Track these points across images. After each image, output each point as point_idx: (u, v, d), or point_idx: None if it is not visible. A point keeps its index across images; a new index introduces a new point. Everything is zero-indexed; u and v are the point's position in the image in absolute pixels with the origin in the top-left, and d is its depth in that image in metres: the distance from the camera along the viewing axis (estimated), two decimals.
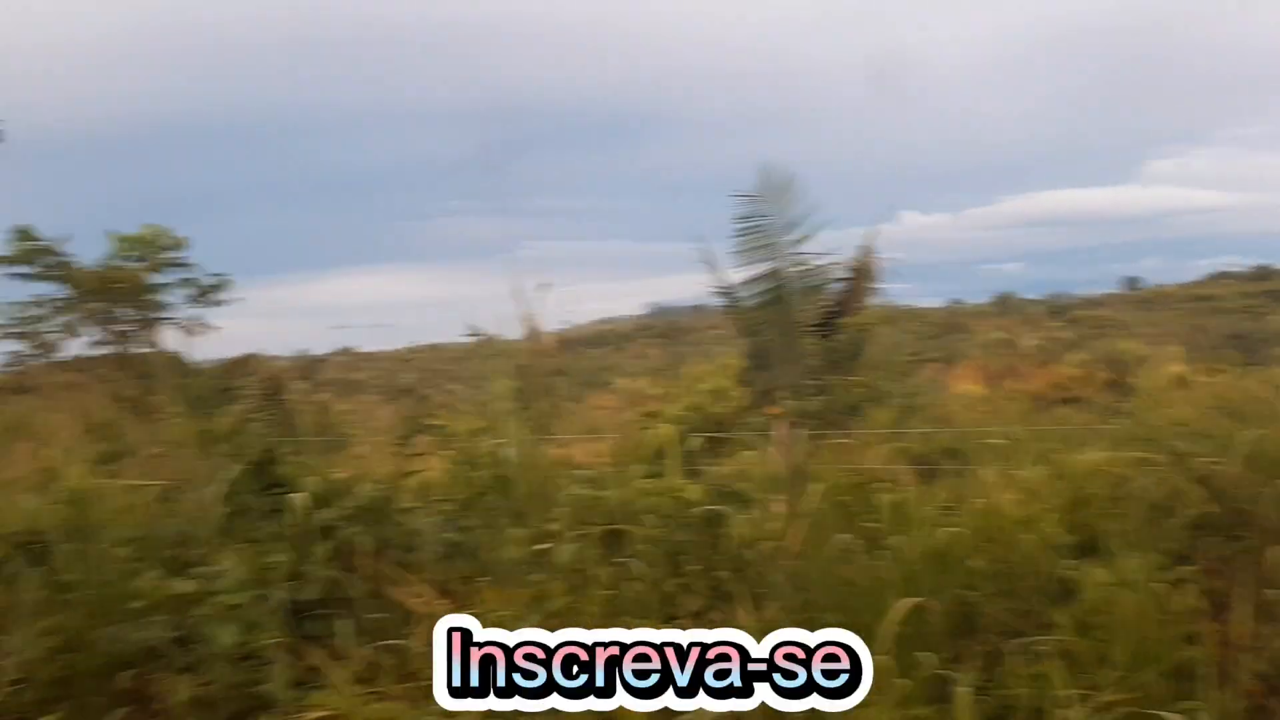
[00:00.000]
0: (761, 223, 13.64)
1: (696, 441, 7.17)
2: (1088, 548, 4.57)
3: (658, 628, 4.26)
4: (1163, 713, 3.22)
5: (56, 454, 6.00)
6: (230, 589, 4.06)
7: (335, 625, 4.22)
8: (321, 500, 4.80)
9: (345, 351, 45.17)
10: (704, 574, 5.10)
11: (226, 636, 3.90)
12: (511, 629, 3.96)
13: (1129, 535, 4.33)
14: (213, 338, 16.70)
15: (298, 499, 4.61)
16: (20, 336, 16.19)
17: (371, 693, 3.71)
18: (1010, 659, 3.83)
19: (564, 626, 4.06)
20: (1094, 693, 3.39)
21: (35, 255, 15.92)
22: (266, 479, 4.97)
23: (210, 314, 16.87)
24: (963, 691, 3.23)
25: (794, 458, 6.56)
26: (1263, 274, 53.83)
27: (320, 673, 3.92)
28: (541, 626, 4.02)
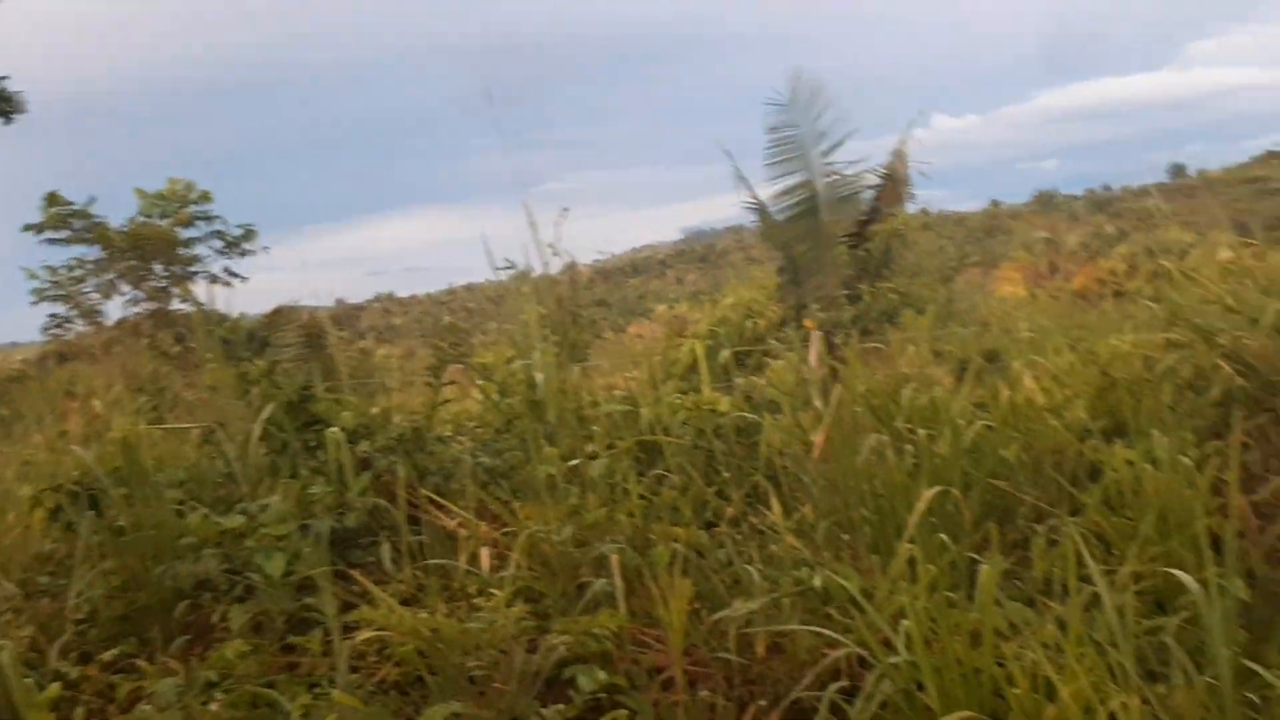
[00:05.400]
0: (791, 134, 13.49)
1: (727, 356, 7.23)
2: (1117, 430, 4.58)
3: (694, 533, 4.36)
4: (1180, 573, 3.24)
5: (104, 408, 6.19)
6: (274, 521, 4.20)
7: (378, 551, 4.36)
8: (358, 434, 4.92)
9: (383, 298, 45.45)
10: (738, 481, 5.18)
11: (275, 566, 4.05)
12: (550, 541, 4.09)
13: (1157, 415, 4.33)
14: (248, 290, 16.99)
15: (333, 434, 4.73)
16: (60, 299, 16.61)
17: (418, 611, 3.84)
18: (1039, 541, 3.88)
19: (600, 537, 4.18)
20: (1120, 567, 3.43)
21: (66, 220, 16.23)
22: (304, 417, 5.09)
23: (241, 266, 17.13)
24: (985, 572, 3.27)
25: (826, 365, 6.58)
26: None
27: (367, 596, 4.06)
28: (578, 538, 4.13)
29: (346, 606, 3.96)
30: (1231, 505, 3.86)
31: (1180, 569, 3.41)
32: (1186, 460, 3.87)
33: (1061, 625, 3.17)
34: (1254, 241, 7.30)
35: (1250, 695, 3.21)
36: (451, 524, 4.52)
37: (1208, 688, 2.99)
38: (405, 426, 5.00)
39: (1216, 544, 3.53)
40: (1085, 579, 3.28)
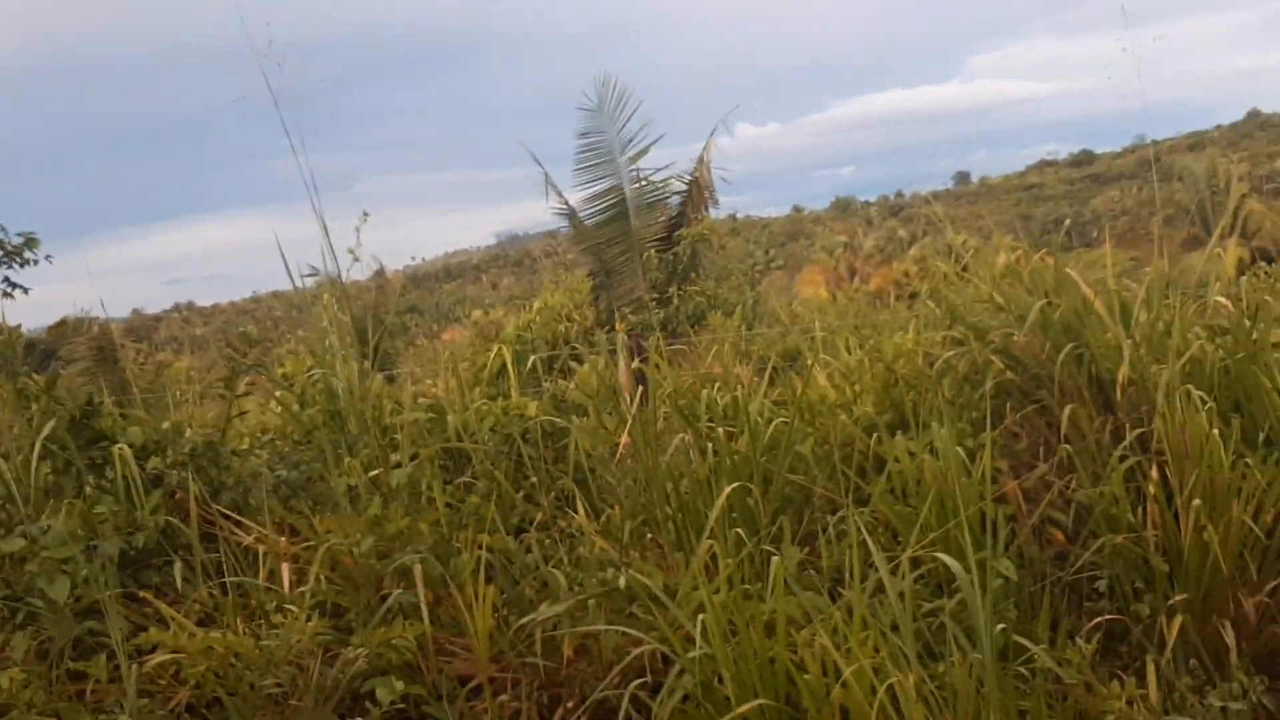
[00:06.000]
0: (599, 140, 13.70)
1: (536, 361, 7.26)
2: (901, 423, 4.85)
3: (501, 539, 4.36)
4: (946, 557, 3.46)
5: None
6: (57, 544, 3.97)
7: (171, 571, 4.19)
8: (148, 450, 4.71)
9: (182, 307, 43.44)
10: (547, 485, 5.21)
11: (58, 590, 3.83)
12: (351, 554, 4.02)
13: (936, 408, 4.59)
14: (33, 302, 15.85)
15: (120, 450, 4.52)
16: None
17: (211, 631, 3.71)
18: (829, 532, 4.07)
19: (404, 548, 4.14)
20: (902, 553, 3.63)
21: None
22: (89, 434, 4.83)
23: (23, 276, 15.92)
24: (778, 563, 3.42)
25: (633, 368, 6.70)
26: (1083, 159, 56.62)
27: (160, 618, 3.89)
28: (380, 549, 4.08)
29: (138, 629, 3.80)
30: (1006, 493, 4.17)
31: (958, 552, 3.65)
32: (962, 451, 4.13)
33: (850, 611, 3.35)
34: (1020, 246, 7.82)
35: (1020, 669, 3.47)
36: (249, 540, 4.38)
37: (979, 663, 3.21)
38: (198, 440, 4.81)
39: (993, 527, 3.79)
40: (874, 565, 3.47)
